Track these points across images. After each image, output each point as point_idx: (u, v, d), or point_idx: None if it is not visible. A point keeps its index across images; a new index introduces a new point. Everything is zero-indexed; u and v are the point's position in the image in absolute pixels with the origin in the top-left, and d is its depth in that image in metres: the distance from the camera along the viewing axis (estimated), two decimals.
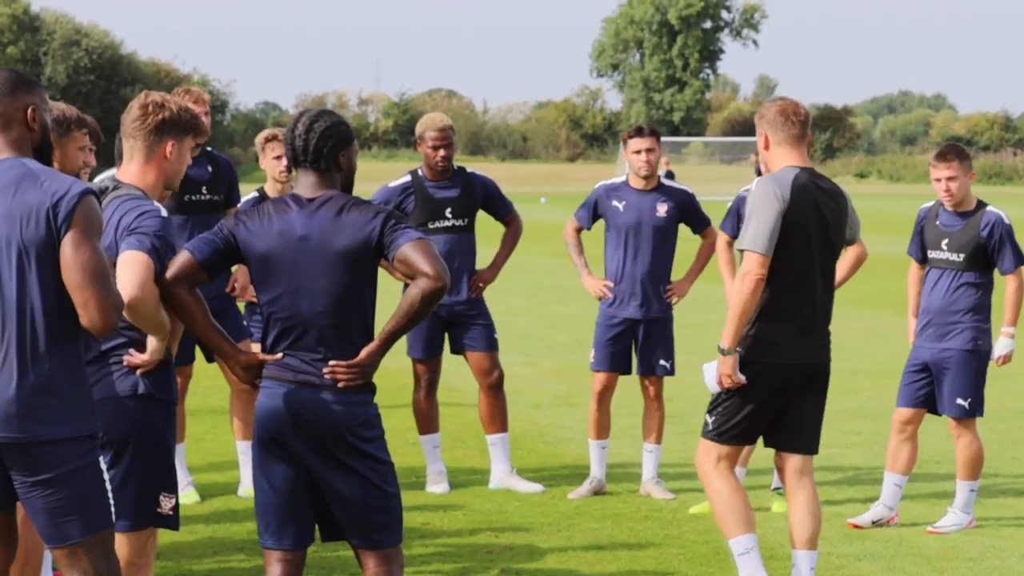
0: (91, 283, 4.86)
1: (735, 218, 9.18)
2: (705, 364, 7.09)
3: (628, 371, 9.89)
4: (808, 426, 7.14)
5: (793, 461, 7.13)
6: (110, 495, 5.07)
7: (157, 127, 5.77)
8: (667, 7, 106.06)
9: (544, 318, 20.10)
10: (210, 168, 9.42)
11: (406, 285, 5.55)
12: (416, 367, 9.91)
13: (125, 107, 5.90)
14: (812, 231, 6.98)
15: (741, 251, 6.96)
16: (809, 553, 7.09)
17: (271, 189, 9.65)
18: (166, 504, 5.72)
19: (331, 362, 5.47)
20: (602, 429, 9.84)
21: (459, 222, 9.72)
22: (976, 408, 8.86)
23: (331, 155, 5.58)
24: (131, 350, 5.64)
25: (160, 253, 5.50)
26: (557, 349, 16.95)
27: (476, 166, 10.66)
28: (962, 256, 8.80)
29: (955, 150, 8.85)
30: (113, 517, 5.08)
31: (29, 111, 5.03)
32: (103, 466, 5.06)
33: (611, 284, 9.77)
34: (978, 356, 8.83)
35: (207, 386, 12.97)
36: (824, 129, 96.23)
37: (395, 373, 11.87)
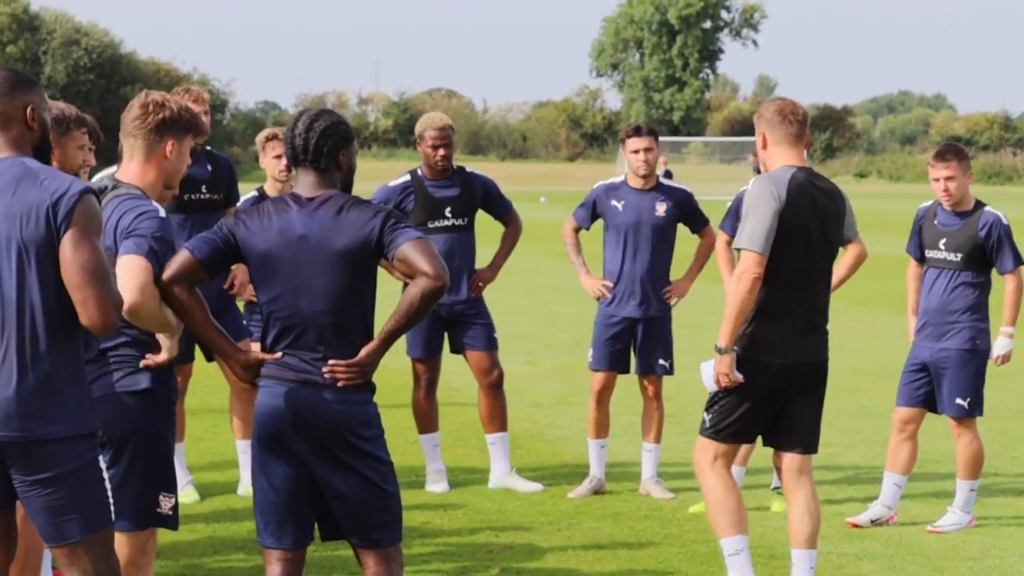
0: (90, 282, 4.86)
1: (735, 218, 9.16)
2: (702, 363, 7.09)
3: (627, 370, 9.89)
4: (806, 425, 7.13)
5: (792, 460, 7.13)
6: (110, 494, 5.07)
7: (157, 126, 5.77)
8: (667, 7, 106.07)
9: (543, 317, 20.10)
10: (210, 167, 9.43)
11: (406, 284, 5.55)
12: (416, 366, 9.91)
13: (125, 106, 5.90)
14: (809, 230, 6.98)
15: (738, 250, 6.97)
16: (809, 552, 7.09)
17: (271, 188, 9.66)
18: (166, 504, 5.71)
19: (331, 361, 5.46)
20: (601, 428, 9.84)
21: (459, 221, 9.72)
22: (975, 408, 8.86)
23: (331, 154, 5.58)
24: (148, 354, 5.64)
25: (158, 254, 5.49)
26: (556, 348, 16.94)
27: (476, 166, 10.66)
28: (960, 256, 8.79)
29: (953, 150, 8.85)
30: (113, 516, 5.08)
31: (28, 110, 5.02)
32: (103, 465, 5.07)
33: (609, 284, 9.77)
34: (977, 355, 8.83)
35: (207, 385, 12.97)
36: (824, 129, 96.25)
37: (395, 372, 11.87)
